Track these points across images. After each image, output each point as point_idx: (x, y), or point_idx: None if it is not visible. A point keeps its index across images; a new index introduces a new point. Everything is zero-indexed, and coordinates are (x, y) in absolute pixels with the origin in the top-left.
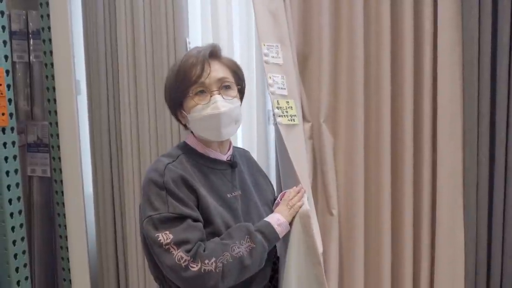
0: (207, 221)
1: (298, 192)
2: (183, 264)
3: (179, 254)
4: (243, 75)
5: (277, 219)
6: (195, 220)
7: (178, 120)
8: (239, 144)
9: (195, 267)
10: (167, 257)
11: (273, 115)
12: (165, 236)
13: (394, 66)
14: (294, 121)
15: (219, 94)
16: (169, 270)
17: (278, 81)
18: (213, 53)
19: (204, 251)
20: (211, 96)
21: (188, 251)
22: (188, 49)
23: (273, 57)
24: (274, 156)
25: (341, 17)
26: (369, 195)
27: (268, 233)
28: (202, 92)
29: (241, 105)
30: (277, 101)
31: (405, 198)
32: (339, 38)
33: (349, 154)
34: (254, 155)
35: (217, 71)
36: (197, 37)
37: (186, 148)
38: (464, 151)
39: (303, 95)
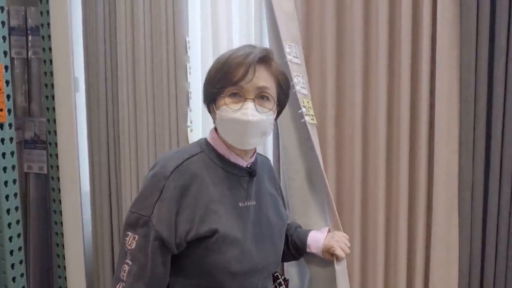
0: (209, 233)
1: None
2: (120, 276)
3: (126, 267)
4: (288, 88)
5: None
6: (166, 245)
7: (209, 110)
8: None
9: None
10: (121, 258)
11: (300, 113)
12: (131, 240)
13: (392, 67)
14: (314, 120)
15: (252, 102)
16: (116, 267)
17: (301, 81)
18: (264, 58)
19: None
20: (244, 102)
21: (130, 273)
22: (188, 48)
23: (294, 56)
24: (272, 154)
25: (341, 19)
26: (365, 194)
27: None
28: (236, 95)
29: (277, 117)
30: (302, 100)
31: (401, 198)
32: (339, 40)
33: (346, 154)
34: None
35: (260, 78)
36: (196, 36)
37: (206, 146)
38: (460, 152)
39: None
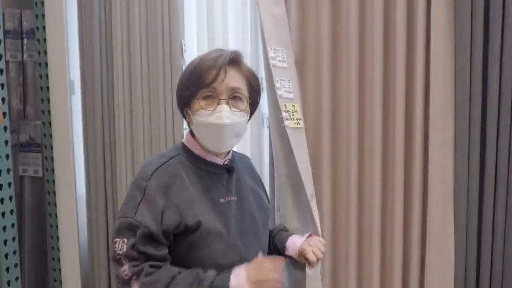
0: (195, 226)
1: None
2: (125, 278)
3: (125, 267)
4: (259, 88)
5: (240, 280)
6: (158, 236)
7: (183, 115)
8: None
9: (135, 286)
10: (116, 267)
11: (281, 118)
12: (121, 245)
13: (387, 73)
14: (299, 124)
15: (227, 103)
16: (116, 278)
17: (285, 85)
18: (234, 60)
19: (146, 276)
20: (218, 104)
21: (134, 266)
22: (184, 52)
23: (279, 61)
24: (267, 159)
25: (336, 24)
26: (360, 200)
27: None
28: (210, 97)
29: (249, 119)
30: (285, 104)
31: (396, 203)
32: (334, 45)
33: (341, 160)
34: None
35: (231, 79)
36: (192, 40)
37: (183, 149)
38: (455, 156)
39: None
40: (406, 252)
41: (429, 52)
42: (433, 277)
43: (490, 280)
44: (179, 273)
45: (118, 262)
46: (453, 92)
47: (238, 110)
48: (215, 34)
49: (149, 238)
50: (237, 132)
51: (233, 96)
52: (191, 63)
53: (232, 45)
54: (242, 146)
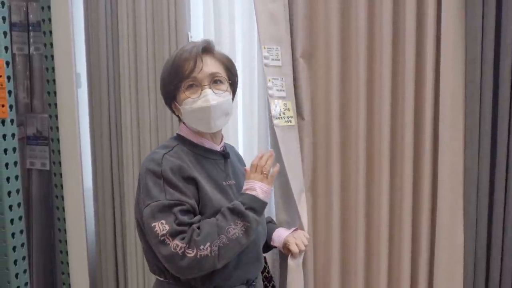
0: (206, 207)
1: (265, 158)
2: (179, 252)
3: (174, 243)
4: (235, 70)
5: (260, 188)
6: (192, 207)
7: (172, 111)
8: (240, 143)
9: (191, 253)
10: (163, 248)
11: (270, 117)
12: (161, 227)
13: (396, 64)
14: (290, 122)
15: (209, 88)
16: (166, 260)
17: (278, 84)
18: (207, 49)
19: (198, 236)
20: (201, 90)
21: (183, 239)
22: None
23: (273, 59)
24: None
25: (345, 16)
26: (369, 195)
27: (258, 207)
28: (193, 86)
29: (233, 99)
30: (275, 103)
31: (405, 198)
32: (343, 37)
33: (350, 155)
34: (255, 154)
35: (209, 66)
36: (199, 31)
37: (180, 139)
38: (466, 150)
39: (307, 93)
40: (415, 247)
41: (439, 46)
42: (441, 273)
43: (500, 275)
44: (216, 219)
45: (163, 242)
46: (464, 87)
47: (221, 91)
48: (222, 26)
49: (186, 211)
50: (225, 111)
51: (214, 81)
52: (168, 60)
53: (238, 37)
54: (249, 143)
